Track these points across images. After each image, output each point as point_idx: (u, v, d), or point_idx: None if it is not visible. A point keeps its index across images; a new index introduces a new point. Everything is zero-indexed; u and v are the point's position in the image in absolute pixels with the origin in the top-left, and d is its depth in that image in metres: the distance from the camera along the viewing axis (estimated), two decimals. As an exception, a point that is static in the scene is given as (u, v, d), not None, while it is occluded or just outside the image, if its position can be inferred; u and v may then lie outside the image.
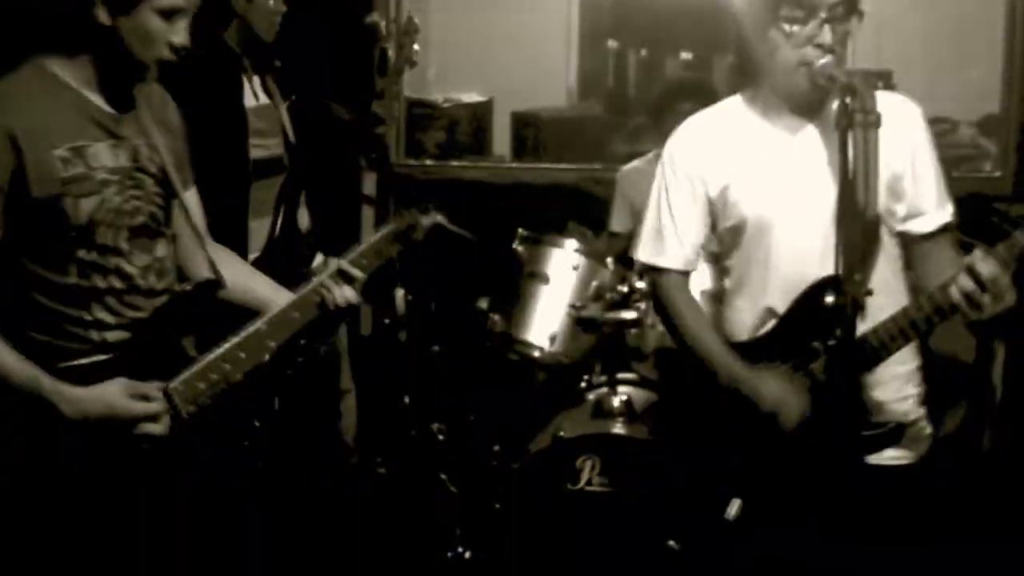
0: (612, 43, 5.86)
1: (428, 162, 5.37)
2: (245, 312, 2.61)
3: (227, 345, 2.49)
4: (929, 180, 2.54)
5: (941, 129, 4.90)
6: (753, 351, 2.59)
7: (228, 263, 2.70)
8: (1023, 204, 4.85)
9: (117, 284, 2.44)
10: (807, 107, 2.54)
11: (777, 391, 2.49)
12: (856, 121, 2.15)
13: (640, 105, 5.65)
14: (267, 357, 2.55)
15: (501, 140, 5.63)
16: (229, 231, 3.50)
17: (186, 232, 2.62)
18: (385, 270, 2.81)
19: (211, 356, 2.48)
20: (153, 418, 2.37)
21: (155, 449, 2.38)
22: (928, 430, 2.65)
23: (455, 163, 5.39)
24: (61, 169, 2.34)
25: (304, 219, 3.86)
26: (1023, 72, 4.95)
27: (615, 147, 5.50)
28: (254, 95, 3.76)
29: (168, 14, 2.38)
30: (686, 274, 2.74)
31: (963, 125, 5.32)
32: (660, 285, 2.76)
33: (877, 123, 2.15)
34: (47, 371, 2.32)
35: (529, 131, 5.54)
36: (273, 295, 2.66)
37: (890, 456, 2.54)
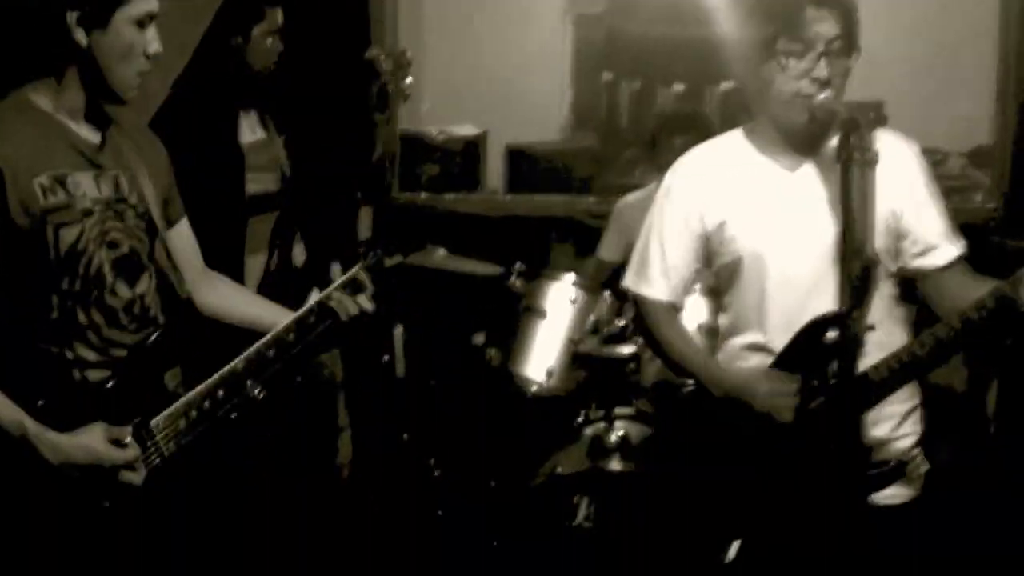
0: (606, 75, 5.88)
1: (422, 195, 5.37)
2: (229, 347, 2.59)
3: (207, 384, 2.50)
4: (932, 215, 2.55)
5: (931, 160, 4.89)
6: None
7: (228, 292, 2.75)
8: (1015, 236, 4.85)
9: (98, 319, 2.42)
10: (806, 143, 2.54)
11: (768, 389, 2.48)
12: (854, 159, 2.15)
13: (634, 137, 5.66)
14: (246, 393, 2.54)
15: (495, 173, 5.64)
16: (225, 266, 3.50)
17: (169, 266, 2.62)
18: (383, 306, 2.81)
19: (191, 394, 2.48)
20: (132, 466, 2.36)
21: (133, 495, 2.38)
22: (924, 468, 2.64)
23: (449, 196, 5.39)
24: (42, 198, 2.32)
25: (299, 255, 3.87)
26: (1015, 103, 4.94)
27: (609, 179, 5.49)
28: (250, 131, 3.77)
29: (141, 22, 2.36)
30: (671, 304, 2.73)
31: (953, 156, 5.31)
32: (644, 312, 2.76)
33: (874, 161, 2.15)
34: (26, 409, 2.29)
35: (523, 164, 5.54)
36: (275, 316, 2.64)
37: (886, 495, 2.53)
